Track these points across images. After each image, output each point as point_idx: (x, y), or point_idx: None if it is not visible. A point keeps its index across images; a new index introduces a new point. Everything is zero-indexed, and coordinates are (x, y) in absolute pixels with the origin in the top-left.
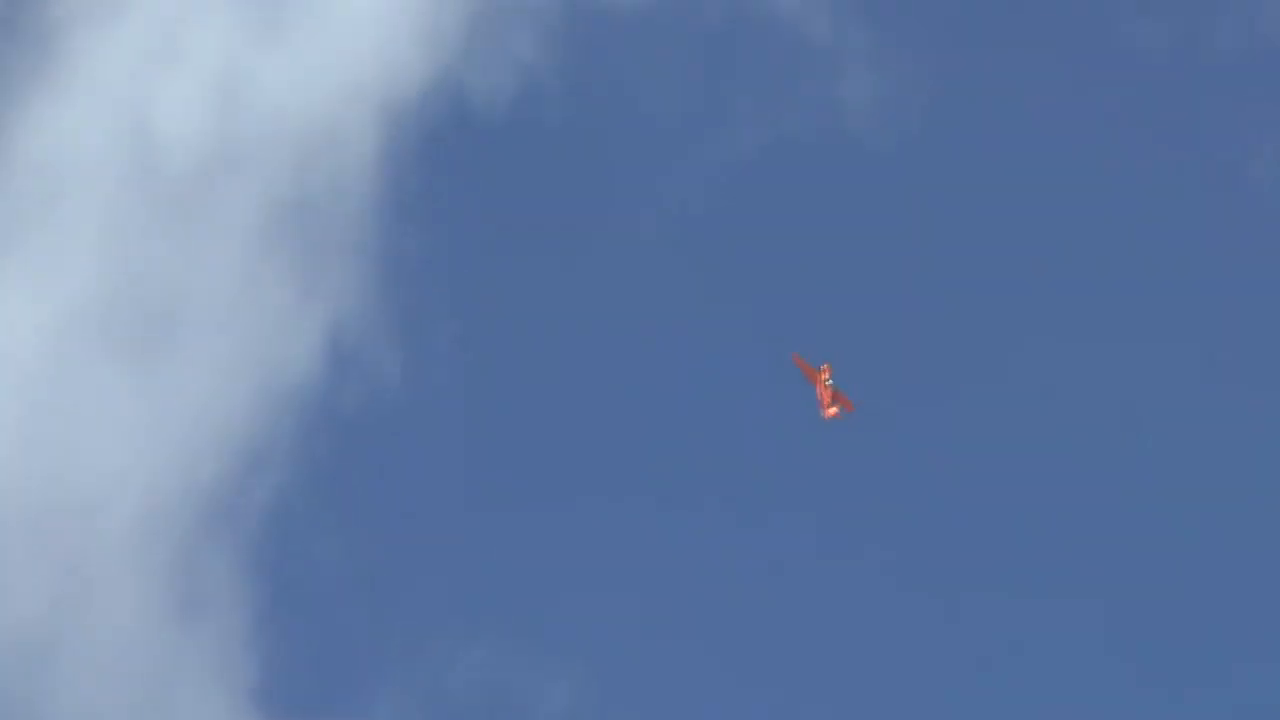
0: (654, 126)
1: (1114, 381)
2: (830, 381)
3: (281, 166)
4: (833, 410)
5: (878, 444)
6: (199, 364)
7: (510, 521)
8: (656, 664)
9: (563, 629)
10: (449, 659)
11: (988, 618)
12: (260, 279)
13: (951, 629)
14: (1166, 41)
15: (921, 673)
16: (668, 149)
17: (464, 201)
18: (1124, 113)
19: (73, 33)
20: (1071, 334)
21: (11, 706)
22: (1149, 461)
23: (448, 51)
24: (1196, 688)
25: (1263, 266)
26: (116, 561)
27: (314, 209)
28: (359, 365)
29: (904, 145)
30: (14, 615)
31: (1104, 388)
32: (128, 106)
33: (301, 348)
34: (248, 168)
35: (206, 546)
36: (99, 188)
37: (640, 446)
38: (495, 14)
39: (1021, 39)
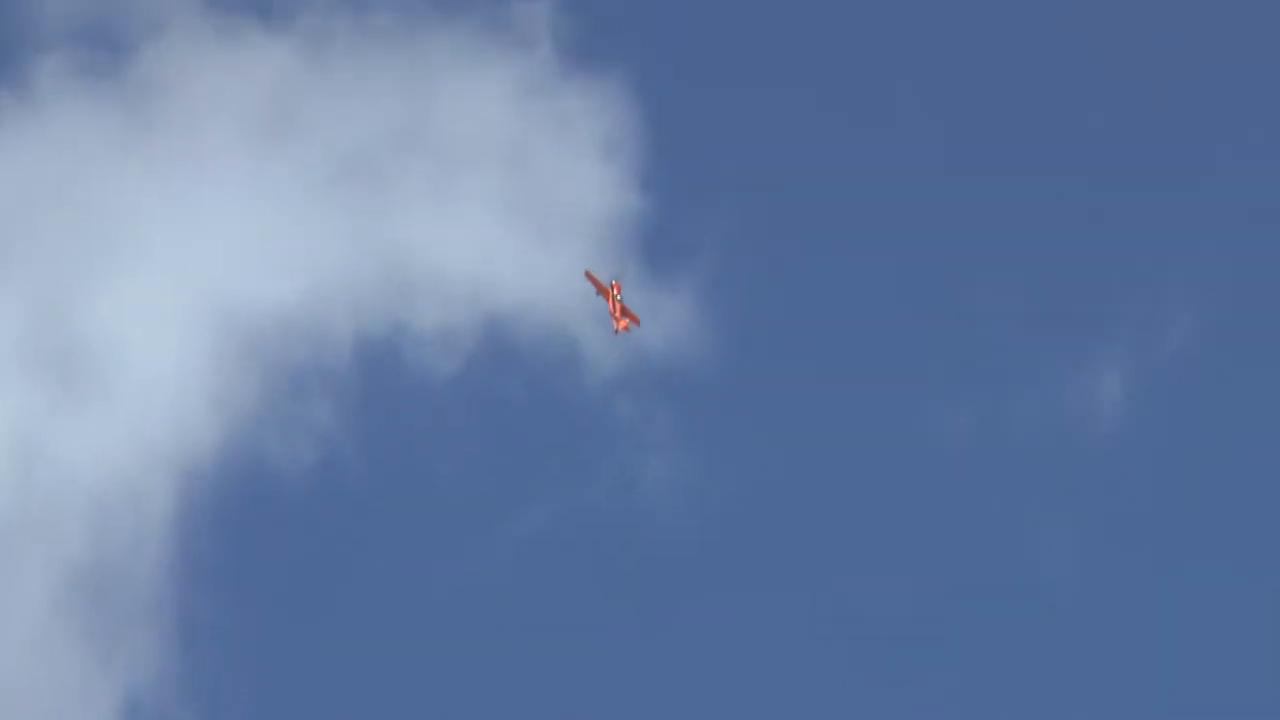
0: (453, 498)
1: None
2: (619, 297)
3: (77, 530)
4: (623, 323)
5: None
6: None
7: None
8: None
9: None
10: None
11: None
12: (56, 643)
13: None
14: (965, 426)
15: None
16: (466, 521)
17: (260, 567)
18: (924, 496)
19: None
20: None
21: None
22: None
23: (243, 416)
24: None
25: (1054, 662)
26: None
27: (110, 573)
28: None
29: (702, 527)
30: None
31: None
32: None
33: (98, 713)
34: (43, 531)
35: None
36: None
37: None
38: (292, 380)
39: (820, 428)
